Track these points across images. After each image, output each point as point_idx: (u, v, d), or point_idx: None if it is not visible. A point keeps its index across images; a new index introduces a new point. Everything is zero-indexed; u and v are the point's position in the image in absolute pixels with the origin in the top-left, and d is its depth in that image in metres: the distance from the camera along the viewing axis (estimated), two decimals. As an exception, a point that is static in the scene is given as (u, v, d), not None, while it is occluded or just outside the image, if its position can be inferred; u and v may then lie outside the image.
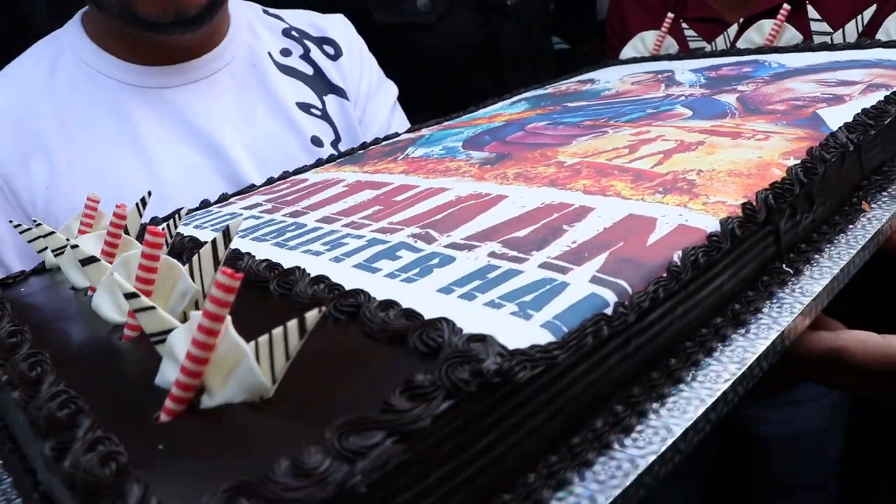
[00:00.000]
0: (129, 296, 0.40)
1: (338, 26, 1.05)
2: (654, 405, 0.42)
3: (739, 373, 0.43)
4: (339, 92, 1.00)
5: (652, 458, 0.38)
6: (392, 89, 1.08)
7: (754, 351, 0.45)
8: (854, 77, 0.76)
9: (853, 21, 0.91)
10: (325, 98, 0.98)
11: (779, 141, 0.61)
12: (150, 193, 0.64)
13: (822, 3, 0.97)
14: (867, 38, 0.89)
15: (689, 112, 0.73)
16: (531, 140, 0.75)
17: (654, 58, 1.09)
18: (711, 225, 0.48)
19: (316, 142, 0.95)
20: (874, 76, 0.74)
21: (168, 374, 0.38)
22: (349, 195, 0.68)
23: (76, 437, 0.35)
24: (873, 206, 0.61)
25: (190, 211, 0.75)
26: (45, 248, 0.66)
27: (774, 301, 0.50)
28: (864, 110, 0.64)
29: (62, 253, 0.59)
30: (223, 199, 0.78)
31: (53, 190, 0.84)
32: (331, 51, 1.02)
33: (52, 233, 0.60)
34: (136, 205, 0.64)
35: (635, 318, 0.41)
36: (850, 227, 0.58)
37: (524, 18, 1.19)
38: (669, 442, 0.39)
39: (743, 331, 0.47)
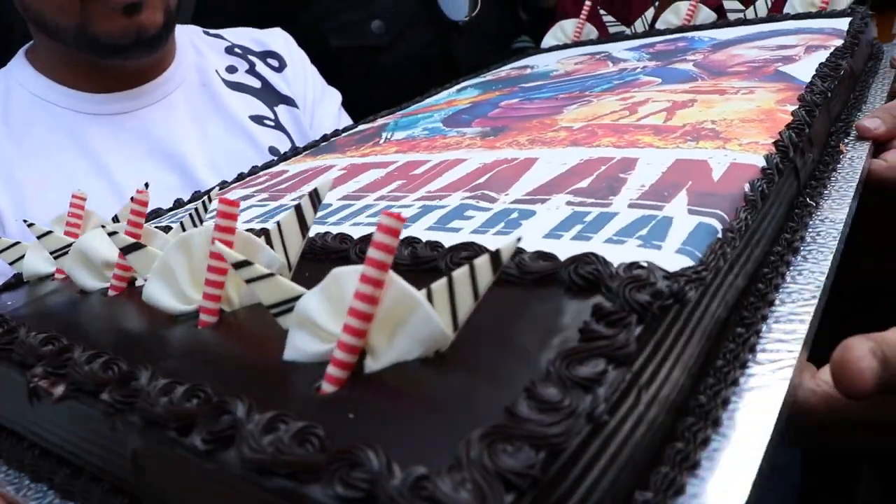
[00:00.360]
0: (240, 265, 0.36)
1: (278, 39, 1.07)
2: (763, 325, 0.43)
3: (820, 289, 0.46)
4: (289, 101, 1.02)
5: (789, 369, 0.39)
6: (336, 95, 1.09)
7: (822, 271, 0.48)
8: (790, 42, 0.83)
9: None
10: (275, 109, 0.99)
11: (764, 93, 0.65)
12: (147, 185, 0.58)
13: None
14: (776, 13, 0.98)
15: (658, 79, 0.77)
16: (515, 114, 0.75)
17: (577, 44, 1.13)
18: (759, 161, 0.51)
19: (273, 151, 0.95)
20: (807, 40, 0.82)
21: (304, 345, 0.35)
22: (354, 176, 0.65)
23: (237, 423, 0.30)
24: (847, 147, 0.67)
25: (166, 211, 0.69)
26: (20, 259, 0.58)
27: (810, 230, 0.54)
28: (822, 64, 0.70)
29: (65, 253, 0.52)
30: (196, 198, 0.72)
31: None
32: (275, 63, 1.04)
33: (49, 232, 0.53)
34: (132, 199, 0.58)
35: (741, 241, 0.43)
36: (839, 165, 0.64)
37: (479, 34, 1.20)
38: (797, 351, 0.40)
39: (800, 257, 0.50)
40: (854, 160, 0.65)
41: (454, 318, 0.33)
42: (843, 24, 0.88)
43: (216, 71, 0.98)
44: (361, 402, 0.31)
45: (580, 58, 1.01)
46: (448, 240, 0.45)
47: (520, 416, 0.27)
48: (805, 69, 0.71)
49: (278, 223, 0.42)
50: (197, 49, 0.97)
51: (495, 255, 0.31)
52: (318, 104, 1.05)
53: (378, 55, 1.19)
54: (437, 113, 0.84)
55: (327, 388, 0.32)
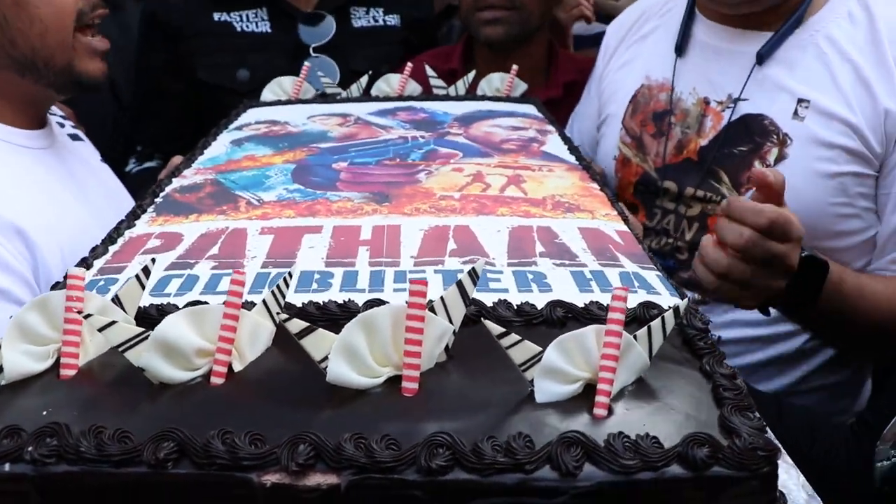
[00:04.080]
0: (502, 336, 0.49)
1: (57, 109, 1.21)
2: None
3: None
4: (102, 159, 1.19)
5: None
6: None
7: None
8: (517, 124, 1.16)
9: (461, 81, 1.31)
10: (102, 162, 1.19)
11: (560, 171, 0.95)
12: (153, 261, 0.59)
13: (434, 65, 1.36)
14: (472, 93, 1.31)
15: (459, 153, 1.01)
16: (372, 179, 0.90)
17: (298, 101, 1.28)
18: (623, 227, 0.80)
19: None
20: (530, 123, 1.16)
21: (554, 389, 0.50)
22: (295, 241, 0.73)
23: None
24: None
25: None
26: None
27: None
28: (569, 149, 1.04)
29: (138, 342, 0.50)
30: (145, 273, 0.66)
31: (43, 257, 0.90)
32: (76, 130, 1.18)
33: (113, 323, 0.50)
34: (137, 276, 0.58)
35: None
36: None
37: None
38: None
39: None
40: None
41: (650, 352, 0.53)
42: (529, 108, 1.25)
43: (56, 123, 1.11)
44: (634, 418, 0.49)
45: (328, 118, 1.18)
46: (528, 297, 0.62)
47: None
48: (557, 149, 1.04)
49: (442, 297, 0.54)
50: None
51: (676, 311, 0.53)
52: None
53: (235, 98, 1.33)
54: (269, 171, 0.93)
55: (601, 412, 0.49)
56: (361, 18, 1.50)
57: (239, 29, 1.46)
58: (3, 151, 0.96)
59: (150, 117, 1.53)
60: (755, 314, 0.96)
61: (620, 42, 1.28)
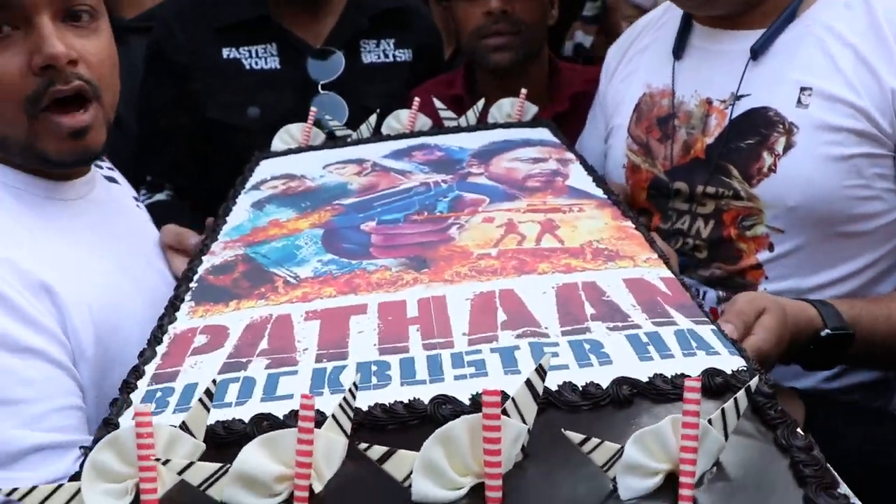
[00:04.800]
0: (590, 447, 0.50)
1: None
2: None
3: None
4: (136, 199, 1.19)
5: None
6: None
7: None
8: (536, 154, 1.16)
9: (471, 110, 1.31)
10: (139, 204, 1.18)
11: (591, 209, 0.96)
12: (215, 382, 0.60)
13: (437, 92, 1.36)
14: (483, 122, 1.32)
15: (486, 198, 1.01)
16: (406, 240, 0.91)
17: (309, 147, 1.28)
18: (667, 272, 0.80)
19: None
20: (547, 153, 1.16)
21: (636, 484, 0.51)
22: (340, 326, 0.73)
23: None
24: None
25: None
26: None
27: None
28: (594, 181, 1.05)
29: (218, 478, 0.51)
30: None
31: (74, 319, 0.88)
32: (111, 172, 1.15)
33: (191, 465, 0.51)
34: (201, 400, 0.58)
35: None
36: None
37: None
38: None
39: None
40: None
41: (726, 434, 0.53)
42: (543, 133, 1.25)
43: (95, 166, 1.08)
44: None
45: (344, 166, 1.18)
46: (571, 377, 0.63)
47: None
48: (582, 181, 1.04)
49: (513, 399, 0.55)
50: None
51: (748, 391, 0.54)
52: None
53: (245, 136, 1.36)
54: (299, 239, 0.93)
55: (686, 506, 0.50)
56: (371, 52, 1.50)
57: (248, 66, 1.45)
58: (32, 204, 0.94)
59: (157, 153, 1.52)
60: None
61: (620, 60, 1.30)
